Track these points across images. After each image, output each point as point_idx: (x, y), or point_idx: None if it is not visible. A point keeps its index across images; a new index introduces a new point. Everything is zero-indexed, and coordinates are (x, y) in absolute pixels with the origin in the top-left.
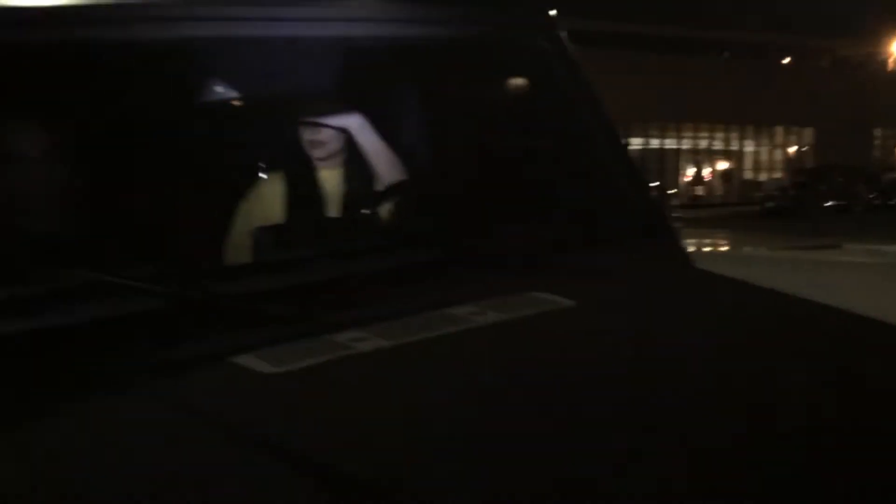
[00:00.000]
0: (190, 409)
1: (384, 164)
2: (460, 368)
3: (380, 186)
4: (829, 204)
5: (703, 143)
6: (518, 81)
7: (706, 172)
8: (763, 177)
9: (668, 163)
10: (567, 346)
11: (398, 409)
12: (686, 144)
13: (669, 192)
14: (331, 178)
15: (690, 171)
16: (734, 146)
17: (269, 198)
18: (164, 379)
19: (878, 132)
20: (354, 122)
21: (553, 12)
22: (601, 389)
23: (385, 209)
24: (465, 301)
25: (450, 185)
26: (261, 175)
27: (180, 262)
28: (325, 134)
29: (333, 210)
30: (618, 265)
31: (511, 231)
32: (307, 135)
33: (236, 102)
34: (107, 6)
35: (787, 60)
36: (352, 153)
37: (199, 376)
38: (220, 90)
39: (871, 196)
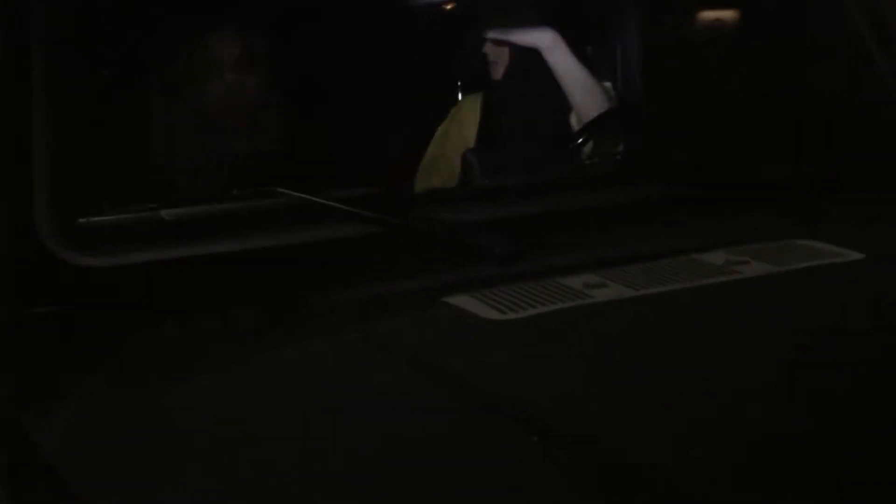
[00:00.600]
0: (410, 359)
1: (599, 89)
2: (721, 333)
3: (605, 110)
4: None
5: None
6: None
7: None
8: None
9: None
10: (853, 314)
11: (644, 373)
12: None
13: None
14: (540, 101)
15: None
16: None
17: (472, 119)
18: (378, 320)
19: None
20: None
21: None
22: None
23: (613, 136)
24: (716, 246)
25: (692, 106)
26: (464, 94)
27: (388, 186)
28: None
29: (550, 136)
30: None
31: (770, 161)
32: (518, 54)
33: (439, 11)
34: None
35: None
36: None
37: (418, 319)
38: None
39: None
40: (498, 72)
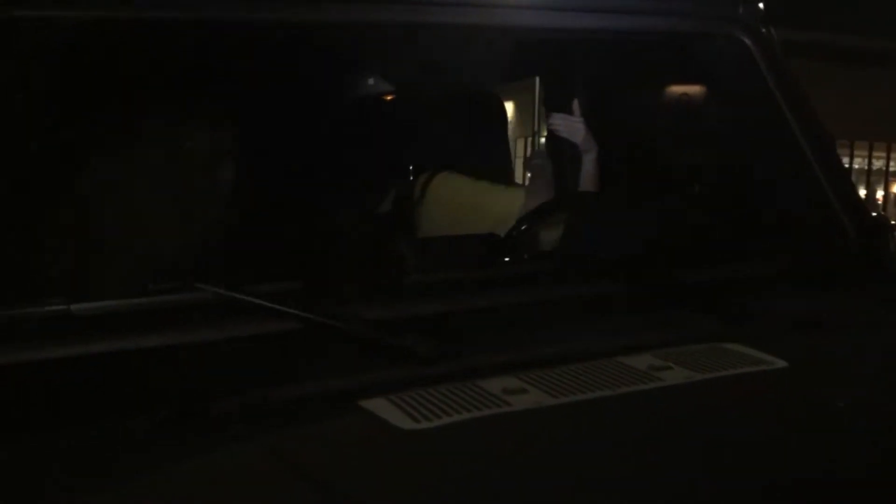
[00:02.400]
0: (315, 480)
1: (556, 173)
2: (635, 447)
3: (551, 200)
4: None
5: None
6: (715, 80)
7: (879, 195)
8: None
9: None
10: (784, 428)
11: (566, 489)
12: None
13: None
14: (493, 187)
15: (862, 193)
16: None
17: (426, 205)
18: (288, 429)
19: None
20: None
21: (761, 5)
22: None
23: (554, 226)
24: (644, 347)
25: (628, 200)
26: (416, 177)
27: (315, 278)
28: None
29: (492, 223)
30: (837, 310)
31: (698, 260)
32: (480, 135)
33: (392, 96)
34: None
35: None
36: (530, 158)
37: (330, 430)
38: (375, 81)
39: None
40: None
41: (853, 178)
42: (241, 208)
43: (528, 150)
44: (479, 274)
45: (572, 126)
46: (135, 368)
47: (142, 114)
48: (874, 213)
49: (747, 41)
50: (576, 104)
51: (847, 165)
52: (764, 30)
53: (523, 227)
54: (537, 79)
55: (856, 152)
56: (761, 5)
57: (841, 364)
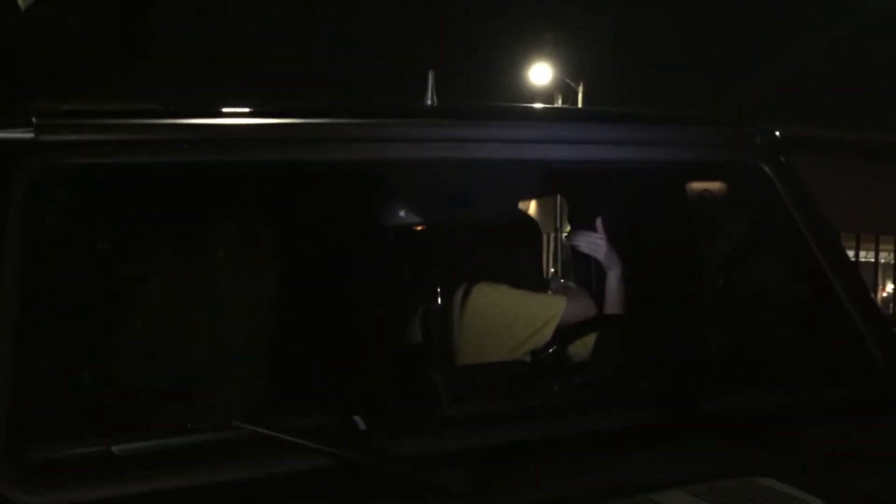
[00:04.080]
0: None
1: (579, 305)
2: None
3: (572, 328)
4: None
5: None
6: (737, 207)
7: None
8: None
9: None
10: None
11: None
12: (885, 258)
13: None
14: (531, 295)
15: (890, 287)
16: None
17: (465, 317)
18: None
19: None
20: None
21: (778, 133)
22: None
23: (576, 355)
24: (674, 483)
25: (651, 329)
26: (454, 293)
27: (349, 412)
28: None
29: (531, 331)
30: (869, 440)
31: (729, 389)
32: (499, 258)
33: (422, 227)
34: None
35: None
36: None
37: None
38: (407, 213)
39: None
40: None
41: (881, 273)
42: (276, 344)
43: (552, 244)
44: (509, 406)
45: (593, 243)
46: None
47: (176, 255)
48: None
49: (766, 168)
50: (599, 222)
51: (873, 261)
52: (782, 157)
53: (551, 350)
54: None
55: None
56: (778, 134)
57: (879, 499)
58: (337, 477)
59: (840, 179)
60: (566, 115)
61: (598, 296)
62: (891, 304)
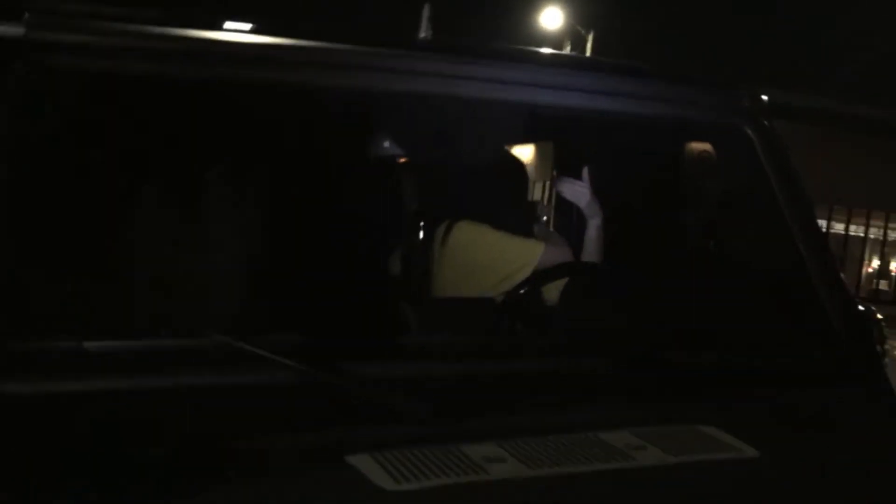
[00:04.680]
0: None
1: (556, 251)
2: None
3: (545, 273)
4: None
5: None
6: (718, 167)
7: (894, 266)
8: None
9: (851, 251)
10: None
11: None
12: (874, 233)
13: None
14: (512, 238)
15: (875, 264)
16: None
17: (445, 254)
18: (273, 478)
19: None
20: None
21: (765, 98)
22: None
23: (543, 298)
24: (622, 425)
25: (616, 282)
26: (436, 228)
27: (320, 334)
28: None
29: (508, 273)
30: (813, 405)
31: (688, 344)
32: (483, 198)
33: (405, 159)
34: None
35: None
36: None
37: (313, 483)
38: (390, 145)
39: None
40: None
41: (868, 248)
42: (254, 261)
43: (546, 192)
44: (474, 341)
45: (577, 191)
46: (139, 406)
47: (159, 164)
48: (862, 309)
49: (750, 132)
50: (585, 171)
51: (863, 235)
52: (766, 122)
53: (522, 291)
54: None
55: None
56: (765, 98)
57: (808, 457)
58: (301, 393)
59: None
60: (558, 61)
61: (578, 243)
62: (874, 280)
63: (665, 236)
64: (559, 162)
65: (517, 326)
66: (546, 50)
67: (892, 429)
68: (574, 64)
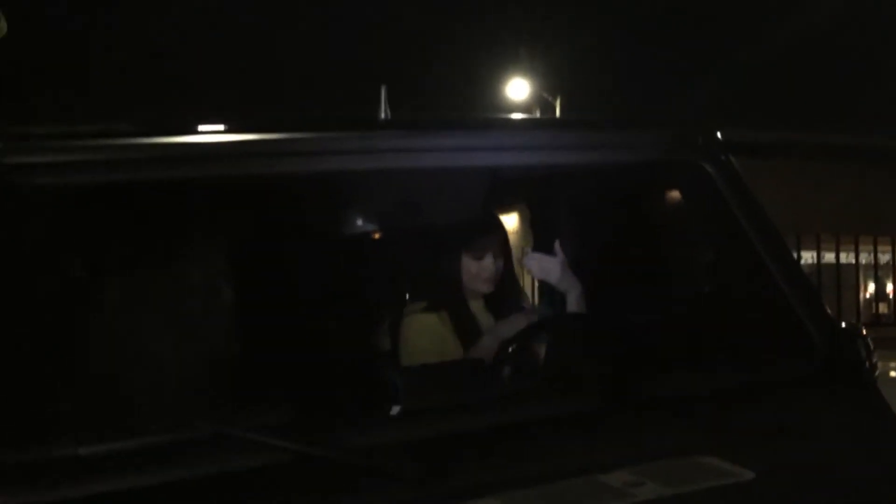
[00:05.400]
0: None
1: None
2: None
3: (530, 323)
4: None
5: (886, 258)
6: (680, 207)
7: (890, 288)
8: None
9: (845, 279)
10: None
11: None
12: (864, 259)
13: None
14: (481, 314)
15: (871, 288)
16: None
17: (413, 336)
18: None
19: None
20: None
21: (719, 134)
22: None
23: (532, 349)
24: (618, 464)
25: (603, 322)
26: (407, 311)
27: (310, 408)
28: (486, 266)
29: (474, 348)
30: (801, 419)
31: (671, 374)
32: (466, 267)
33: (380, 234)
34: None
35: None
36: (509, 286)
37: None
38: (363, 222)
39: None
40: (467, 284)
41: (862, 273)
42: (235, 349)
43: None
44: (462, 398)
45: (546, 267)
46: None
47: (142, 260)
48: (843, 323)
49: (708, 168)
50: (557, 244)
51: (854, 262)
52: (723, 157)
53: (509, 350)
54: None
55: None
56: (719, 135)
57: (804, 473)
58: (296, 470)
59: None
60: (511, 125)
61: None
62: (873, 304)
63: (637, 275)
64: (534, 226)
65: (496, 378)
66: (498, 115)
67: (882, 436)
68: (524, 125)
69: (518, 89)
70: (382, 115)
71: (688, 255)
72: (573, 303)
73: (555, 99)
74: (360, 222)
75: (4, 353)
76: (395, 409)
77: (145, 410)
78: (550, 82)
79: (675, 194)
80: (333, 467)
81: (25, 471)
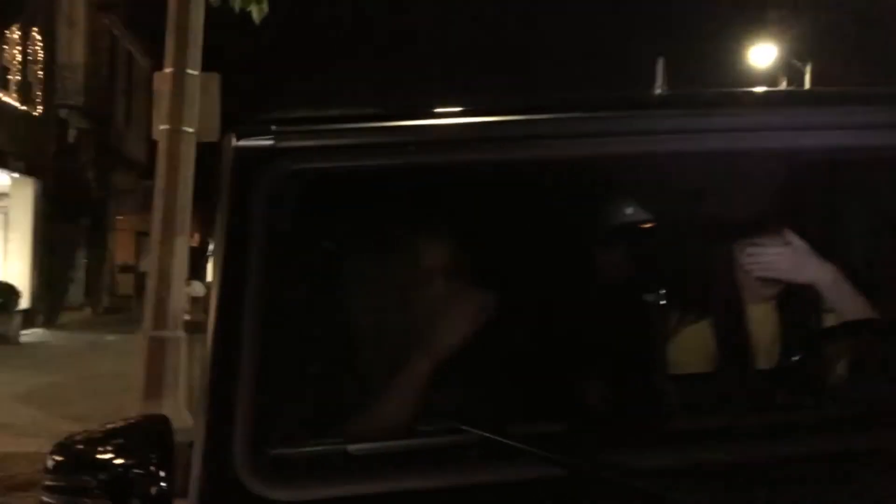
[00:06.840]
0: None
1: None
2: None
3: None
4: None
5: None
6: None
7: None
8: None
9: None
10: None
11: None
12: None
13: None
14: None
15: None
16: None
17: (692, 343)
18: None
19: None
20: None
21: None
22: None
23: (829, 361)
24: None
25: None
26: (685, 315)
27: (579, 421)
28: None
29: (763, 361)
30: None
31: None
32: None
33: (651, 225)
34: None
35: None
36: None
37: None
38: (634, 211)
39: None
40: (751, 289)
41: None
42: (504, 350)
43: None
44: (754, 419)
45: (795, 262)
46: None
47: (404, 258)
48: None
49: None
50: (787, 231)
51: None
52: None
53: (795, 359)
54: None
55: None
56: None
57: None
58: (565, 488)
59: None
60: (815, 98)
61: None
62: None
63: None
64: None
65: (799, 401)
66: (795, 89)
67: None
68: (835, 99)
69: (763, 55)
70: (658, 90)
71: None
72: (831, 290)
73: (804, 65)
74: (648, 215)
75: (280, 350)
76: (681, 429)
77: (413, 412)
78: (799, 47)
79: None
80: (606, 488)
81: (297, 466)
